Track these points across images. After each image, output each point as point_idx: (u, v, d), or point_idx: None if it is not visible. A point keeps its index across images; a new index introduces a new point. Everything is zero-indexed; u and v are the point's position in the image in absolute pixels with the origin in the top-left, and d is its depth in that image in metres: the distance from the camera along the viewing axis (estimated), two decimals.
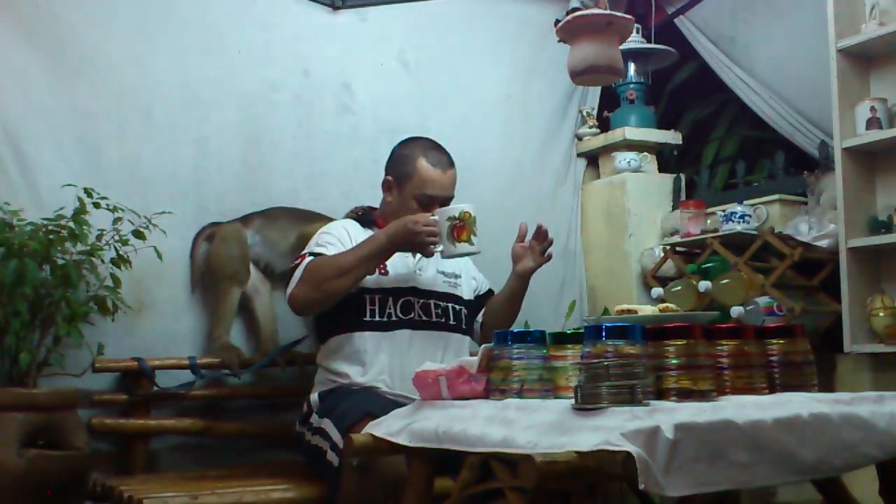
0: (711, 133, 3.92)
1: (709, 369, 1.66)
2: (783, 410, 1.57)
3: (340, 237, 2.53)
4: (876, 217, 2.83)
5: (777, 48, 3.32)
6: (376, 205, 2.71)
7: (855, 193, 2.82)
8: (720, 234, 3.05)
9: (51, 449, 2.35)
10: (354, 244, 2.48)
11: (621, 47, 2.51)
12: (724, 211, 3.08)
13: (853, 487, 1.89)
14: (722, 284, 2.92)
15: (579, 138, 3.71)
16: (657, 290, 3.11)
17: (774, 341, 1.85)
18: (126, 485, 2.37)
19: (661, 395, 1.61)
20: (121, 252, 2.57)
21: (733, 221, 3.02)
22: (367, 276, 2.46)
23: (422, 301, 2.54)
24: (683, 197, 3.49)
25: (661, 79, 3.85)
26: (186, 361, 2.77)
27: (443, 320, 2.56)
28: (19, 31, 2.72)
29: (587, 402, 1.50)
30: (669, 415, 1.43)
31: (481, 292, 2.76)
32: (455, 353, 2.51)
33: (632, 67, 3.64)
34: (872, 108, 2.78)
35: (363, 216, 2.67)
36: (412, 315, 2.52)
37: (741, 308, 2.85)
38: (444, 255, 2.43)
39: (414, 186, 2.54)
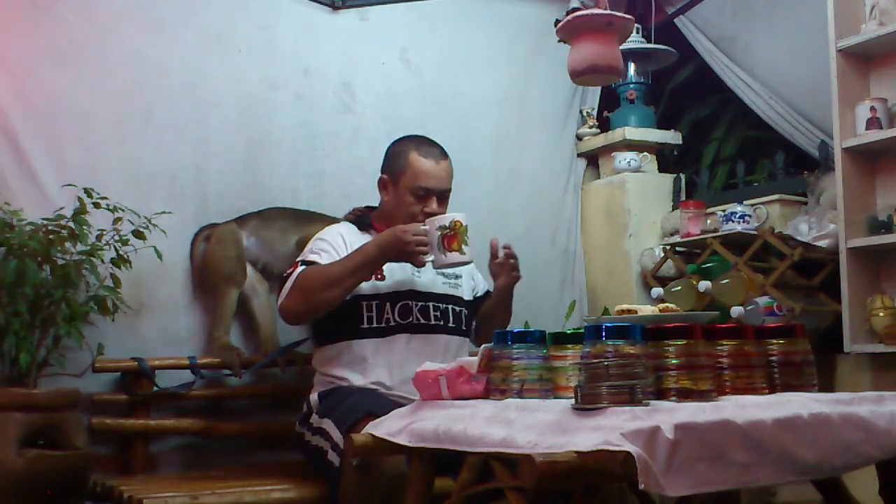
0: (711, 133, 3.92)
1: (709, 369, 1.65)
2: (783, 410, 1.57)
3: (335, 244, 2.51)
4: (876, 217, 2.82)
5: (777, 48, 3.32)
6: (376, 204, 2.71)
7: (855, 193, 2.82)
8: (720, 234, 3.05)
9: (51, 449, 2.35)
10: (350, 250, 2.47)
11: (621, 47, 2.51)
12: (724, 211, 3.08)
13: (853, 487, 1.89)
14: (722, 284, 2.92)
15: (579, 138, 3.71)
16: (657, 290, 3.11)
17: (774, 341, 1.85)
18: (126, 485, 2.37)
19: (661, 395, 1.61)
20: (121, 252, 2.57)
21: (733, 221, 3.02)
22: (363, 283, 2.45)
23: (420, 304, 2.53)
24: (683, 197, 3.49)
25: (661, 79, 3.85)
26: (186, 361, 2.77)
27: (441, 323, 2.55)
28: (19, 31, 2.71)
29: (587, 402, 1.50)
30: (669, 415, 1.43)
31: (479, 294, 2.76)
32: (455, 355, 2.49)
33: (632, 67, 3.64)
34: (872, 108, 2.78)
35: (361, 218, 2.66)
36: (410, 319, 2.50)
37: (741, 308, 2.85)
38: (436, 266, 2.42)
39: (408, 180, 2.53)
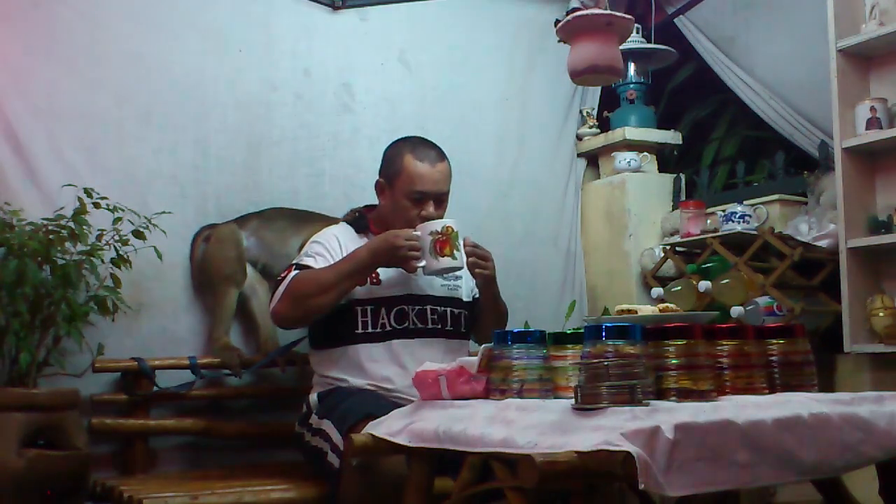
0: (711, 133, 3.92)
1: (709, 369, 1.65)
2: (783, 410, 1.57)
3: (330, 247, 2.49)
4: (876, 217, 2.83)
5: (777, 48, 3.32)
6: (376, 203, 2.70)
7: (855, 193, 2.82)
8: (720, 234, 3.05)
9: (51, 449, 2.35)
10: (345, 253, 2.46)
11: (621, 47, 2.51)
12: (724, 211, 3.08)
13: (853, 487, 1.89)
14: (722, 284, 2.92)
15: (579, 138, 3.71)
16: (657, 290, 3.11)
17: (774, 341, 1.84)
18: (126, 485, 2.38)
19: (661, 395, 1.61)
20: (121, 252, 2.57)
21: (733, 221, 3.02)
22: (359, 287, 2.44)
23: (417, 308, 2.49)
24: (683, 197, 3.49)
25: (661, 79, 3.85)
26: (186, 361, 2.77)
27: (439, 326, 2.52)
28: (19, 31, 2.71)
29: (587, 402, 1.50)
30: (669, 415, 1.43)
31: (477, 294, 2.75)
32: (455, 358, 2.48)
33: (632, 67, 3.64)
34: (872, 108, 2.78)
35: (358, 220, 2.64)
36: (406, 324, 2.48)
37: (741, 308, 2.85)
38: (427, 271, 2.39)
39: (403, 184, 2.49)
